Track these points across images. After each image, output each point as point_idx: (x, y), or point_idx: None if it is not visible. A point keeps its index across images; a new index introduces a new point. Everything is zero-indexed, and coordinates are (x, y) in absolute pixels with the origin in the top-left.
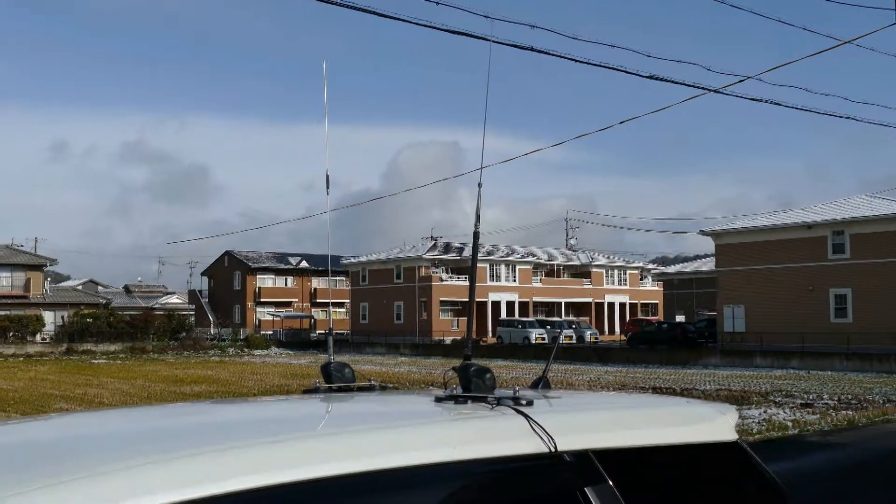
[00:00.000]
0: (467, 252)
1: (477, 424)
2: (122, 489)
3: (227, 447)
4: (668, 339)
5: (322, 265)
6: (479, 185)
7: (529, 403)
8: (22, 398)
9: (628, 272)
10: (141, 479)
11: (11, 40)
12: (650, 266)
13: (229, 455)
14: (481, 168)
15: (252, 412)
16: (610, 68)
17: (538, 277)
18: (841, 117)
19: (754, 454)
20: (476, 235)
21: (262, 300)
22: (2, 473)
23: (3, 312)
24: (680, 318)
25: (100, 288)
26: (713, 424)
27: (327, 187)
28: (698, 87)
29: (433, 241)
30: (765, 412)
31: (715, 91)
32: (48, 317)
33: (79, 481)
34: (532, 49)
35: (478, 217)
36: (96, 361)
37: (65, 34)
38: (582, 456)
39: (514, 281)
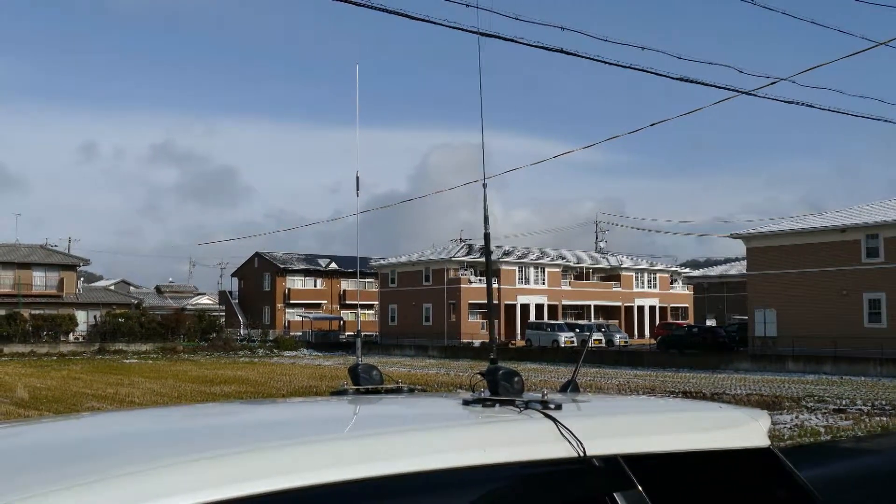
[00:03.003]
0: (496, 254)
1: (505, 428)
2: (150, 489)
3: (256, 448)
4: (698, 343)
5: (351, 267)
6: (484, 186)
7: (558, 407)
8: (55, 397)
9: (658, 275)
10: (170, 479)
11: (42, 42)
12: (680, 269)
13: (258, 456)
14: (483, 174)
15: (280, 413)
16: (640, 70)
17: (567, 280)
18: (876, 119)
19: (786, 460)
20: (487, 237)
21: (291, 301)
22: (31, 472)
23: (37, 312)
24: (710, 322)
25: (131, 288)
26: (745, 430)
27: (357, 189)
28: (730, 90)
29: (462, 243)
30: (797, 418)
31: (747, 93)
32: (81, 316)
33: (107, 481)
34: (562, 51)
35: (486, 219)
36: (128, 361)
37: (95, 36)
38: (611, 461)
39: (544, 284)
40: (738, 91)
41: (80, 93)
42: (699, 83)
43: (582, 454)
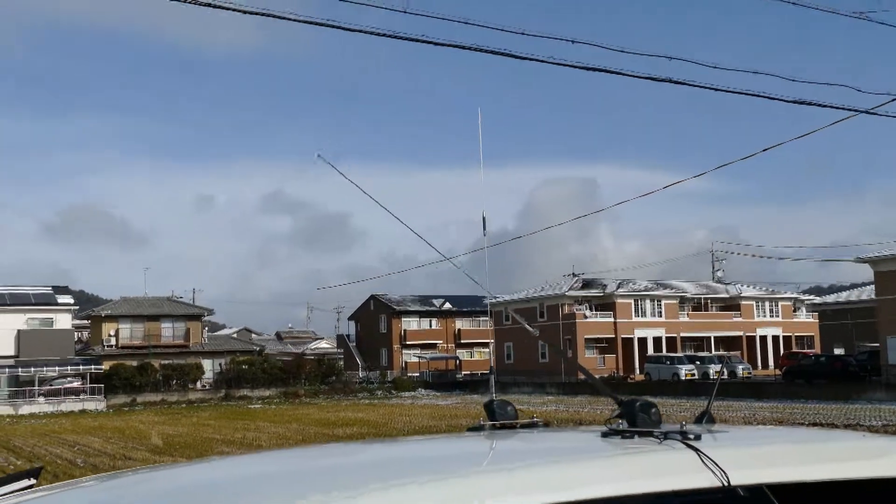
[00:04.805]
0: (611, 287)
1: (647, 458)
2: None
3: (401, 483)
4: (826, 373)
5: (465, 306)
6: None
7: (698, 437)
8: (187, 443)
9: (780, 303)
10: None
11: (158, 101)
12: (803, 296)
13: (403, 491)
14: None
15: (419, 450)
16: (754, 95)
17: (685, 312)
18: None
19: None
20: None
21: (407, 342)
22: None
23: (166, 361)
24: (838, 351)
25: (253, 335)
26: (892, 459)
27: (484, 228)
28: (847, 109)
29: (575, 278)
30: None
31: (866, 112)
32: (207, 364)
33: None
34: (670, 81)
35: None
36: (252, 406)
37: (205, 88)
38: (756, 490)
39: (660, 316)
40: (856, 111)
41: (195, 148)
42: (815, 105)
43: (726, 483)
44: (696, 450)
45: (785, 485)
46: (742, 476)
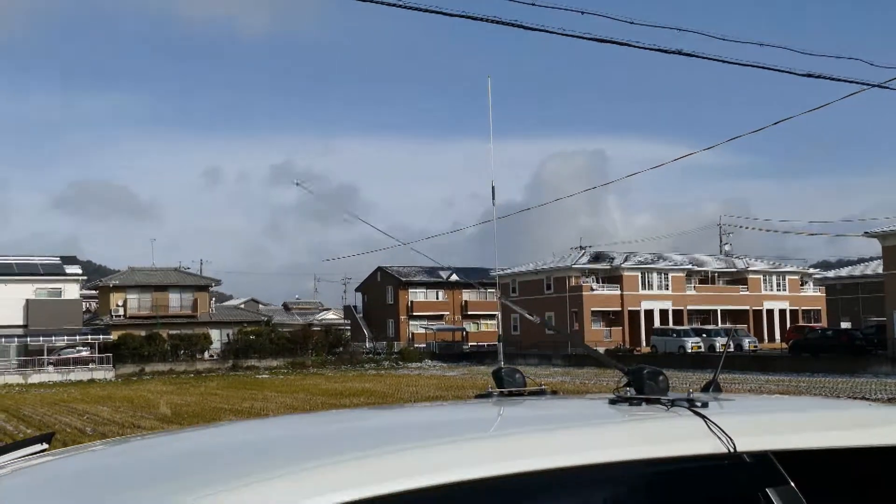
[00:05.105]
0: (618, 260)
1: (654, 425)
2: (300, 489)
3: (411, 447)
4: (833, 347)
5: (472, 278)
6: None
7: (705, 405)
8: (195, 412)
9: (787, 277)
10: (321, 478)
11: (167, 75)
12: (811, 271)
13: (412, 454)
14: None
15: (428, 415)
16: (763, 68)
17: (692, 285)
18: None
19: None
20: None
21: (414, 314)
22: (192, 475)
23: (174, 332)
24: (845, 325)
25: (260, 306)
26: None
27: (493, 197)
28: (859, 83)
29: (582, 251)
30: None
31: (879, 86)
32: (214, 335)
33: (271, 481)
34: (680, 53)
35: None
36: (260, 376)
37: (215, 63)
38: (762, 457)
39: (667, 289)
40: (868, 84)
41: (204, 120)
42: (827, 78)
43: (732, 450)
44: (702, 416)
45: (790, 452)
46: (748, 443)
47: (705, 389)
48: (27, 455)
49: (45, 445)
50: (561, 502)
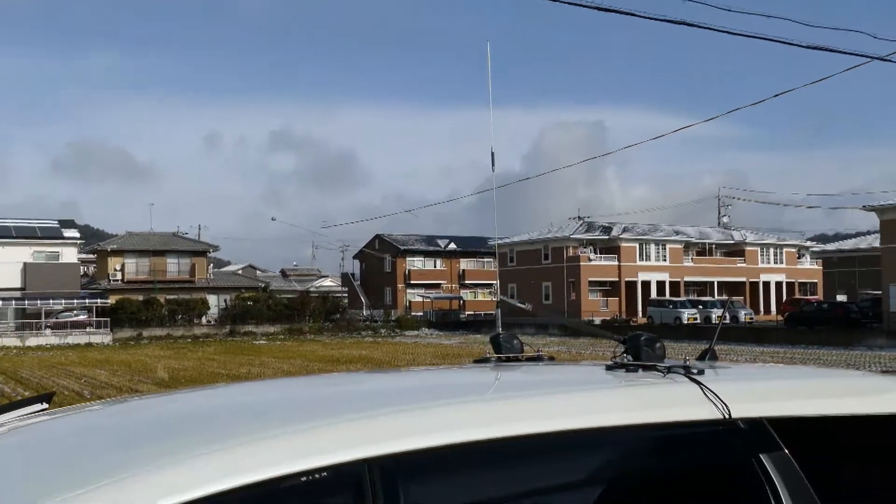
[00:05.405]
0: (615, 231)
1: (650, 390)
2: (310, 446)
3: (408, 409)
4: (828, 320)
5: (470, 247)
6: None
7: (701, 372)
8: (192, 377)
9: (784, 250)
10: (322, 437)
11: (167, 39)
12: (808, 244)
13: (410, 416)
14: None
15: (426, 378)
16: (766, 39)
17: (689, 256)
18: None
19: None
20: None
21: (411, 282)
22: (187, 435)
23: (171, 297)
24: (841, 298)
25: (258, 272)
26: (891, 396)
27: (493, 163)
28: (862, 56)
29: (581, 221)
30: None
31: (881, 59)
32: (212, 300)
33: (258, 442)
34: (685, 23)
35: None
36: (257, 342)
37: (215, 30)
38: (756, 423)
39: (665, 260)
40: (870, 57)
41: (203, 85)
42: (830, 50)
43: (727, 416)
44: (698, 383)
45: (784, 419)
46: (743, 409)
47: (701, 358)
48: (28, 414)
49: (46, 405)
50: (558, 465)
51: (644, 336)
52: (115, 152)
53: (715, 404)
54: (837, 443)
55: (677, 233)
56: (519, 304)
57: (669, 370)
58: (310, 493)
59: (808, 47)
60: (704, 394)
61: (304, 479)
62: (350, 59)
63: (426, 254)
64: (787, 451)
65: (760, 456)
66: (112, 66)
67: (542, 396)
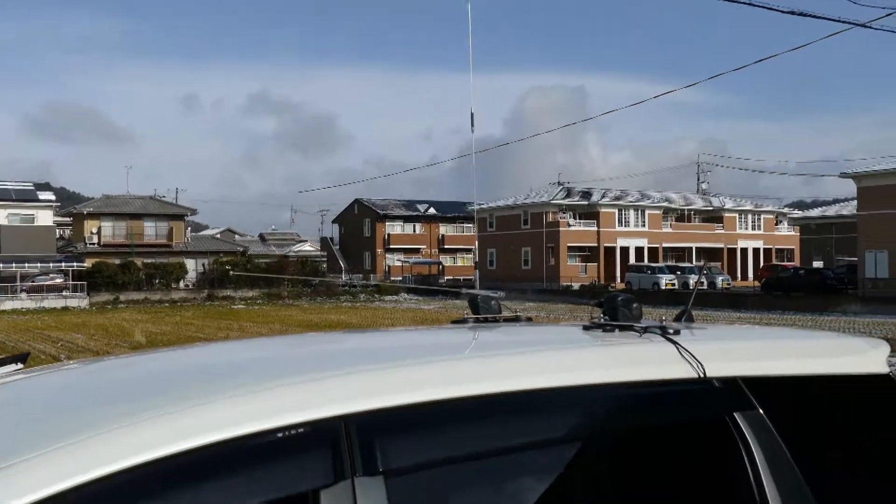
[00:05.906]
0: (595, 197)
1: (627, 349)
2: (302, 399)
3: (390, 366)
4: (804, 286)
5: (449, 212)
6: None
7: (677, 332)
8: (170, 341)
9: (762, 217)
10: (306, 392)
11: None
12: (785, 210)
13: (390, 374)
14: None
15: (403, 338)
16: (747, 4)
17: (668, 222)
18: None
19: None
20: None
21: (390, 247)
22: (130, 400)
23: (149, 261)
24: (817, 264)
25: (236, 236)
26: (865, 357)
27: (472, 124)
28: (843, 22)
29: (560, 186)
30: None
31: (862, 25)
32: (190, 264)
33: (236, 398)
34: None
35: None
36: (236, 307)
37: None
38: (731, 382)
39: (644, 226)
40: (852, 23)
41: (179, 47)
42: (810, 16)
43: (702, 375)
44: (674, 343)
45: (759, 378)
46: (718, 368)
47: (678, 319)
48: (3, 374)
49: (20, 365)
50: (535, 423)
51: (621, 297)
52: (91, 114)
53: (690, 363)
54: (811, 402)
55: (656, 199)
56: (493, 294)
57: (646, 330)
58: (285, 449)
59: (788, 12)
60: (680, 353)
61: (279, 434)
62: (329, 21)
63: (406, 218)
64: (761, 409)
65: (735, 414)
66: (88, 26)
67: (519, 355)
